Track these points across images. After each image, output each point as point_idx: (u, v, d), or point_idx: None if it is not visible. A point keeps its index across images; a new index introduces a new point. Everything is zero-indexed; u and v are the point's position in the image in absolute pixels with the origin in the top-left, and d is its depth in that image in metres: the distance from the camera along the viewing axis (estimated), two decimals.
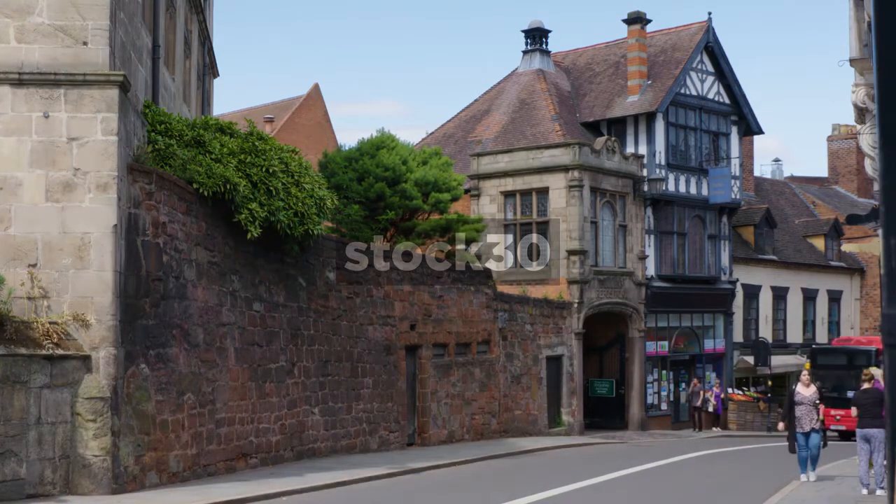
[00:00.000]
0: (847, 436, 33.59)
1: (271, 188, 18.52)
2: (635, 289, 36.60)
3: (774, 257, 45.07)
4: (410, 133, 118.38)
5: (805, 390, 18.63)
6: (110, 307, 14.76)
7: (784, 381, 43.45)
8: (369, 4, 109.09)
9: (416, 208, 29.59)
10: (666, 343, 38.52)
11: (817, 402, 18.63)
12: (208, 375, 17.74)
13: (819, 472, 19.28)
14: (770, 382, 42.45)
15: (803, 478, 18.48)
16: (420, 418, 26.12)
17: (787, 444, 19.25)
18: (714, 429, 38.91)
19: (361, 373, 23.66)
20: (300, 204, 19.06)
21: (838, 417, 33.89)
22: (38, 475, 14.18)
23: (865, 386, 17.72)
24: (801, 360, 44.47)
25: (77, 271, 14.73)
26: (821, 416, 18.66)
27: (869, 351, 34.81)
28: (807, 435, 18.49)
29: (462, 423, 27.70)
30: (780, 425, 19.19)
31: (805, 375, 19.16)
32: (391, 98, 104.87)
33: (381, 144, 29.86)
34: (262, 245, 19.44)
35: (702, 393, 38.30)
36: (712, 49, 39.99)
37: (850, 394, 33.17)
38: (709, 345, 40.62)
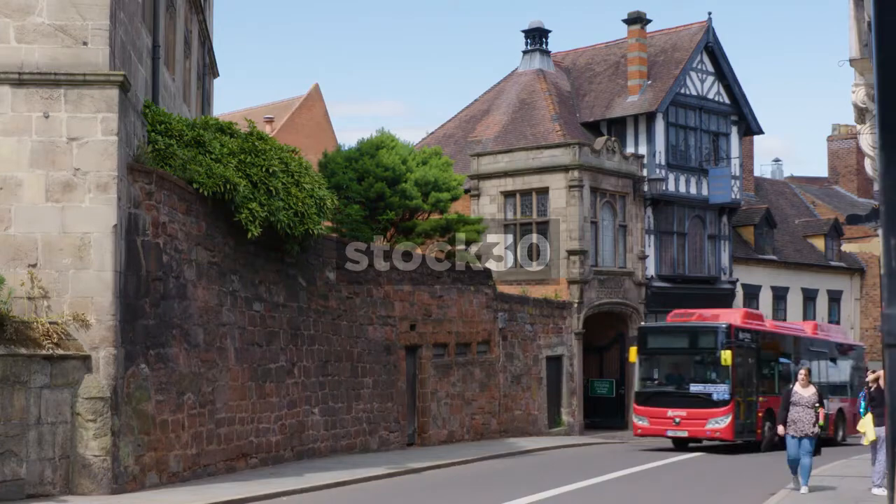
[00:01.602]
0: (684, 444, 28.16)
1: (271, 188, 18.52)
2: (635, 289, 36.61)
3: (774, 257, 45.08)
4: (410, 133, 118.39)
5: (803, 390, 17.21)
6: (110, 307, 14.77)
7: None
8: (369, 4, 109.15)
9: (416, 208, 29.60)
10: None
11: (817, 404, 17.15)
12: (208, 375, 17.74)
13: (816, 474, 18.39)
14: None
15: (791, 485, 17.15)
16: (420, 418, 26.12)
17: (779, 445, 17.76)
18: None
19: (361, 373, 23.66)
20: (300, 204, 19.06)
21: (678, 420, 27.14)
22: (38, 475, 14.18)
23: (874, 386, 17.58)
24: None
25: (77, 271, 14.73)
26: (821, 421, 17.17)
27: (717, 329, 27.20)
28: (800, 440, 16.97)
29: (462, 423, 27.71)
30: (780, 429, 17.31)
31: (803, 374, 17.67)
32: (391, 98, 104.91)
33: (381, 144, 29.86)
34: (262, 245, 19.44)
35: None
36: (712, 49, 39.99)
37: (694, 387, 27.19)
38: None
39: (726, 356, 26.34)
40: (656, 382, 28.40)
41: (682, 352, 28.12)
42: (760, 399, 27.92)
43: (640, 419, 28.03)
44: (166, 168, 16.71)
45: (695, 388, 27.25)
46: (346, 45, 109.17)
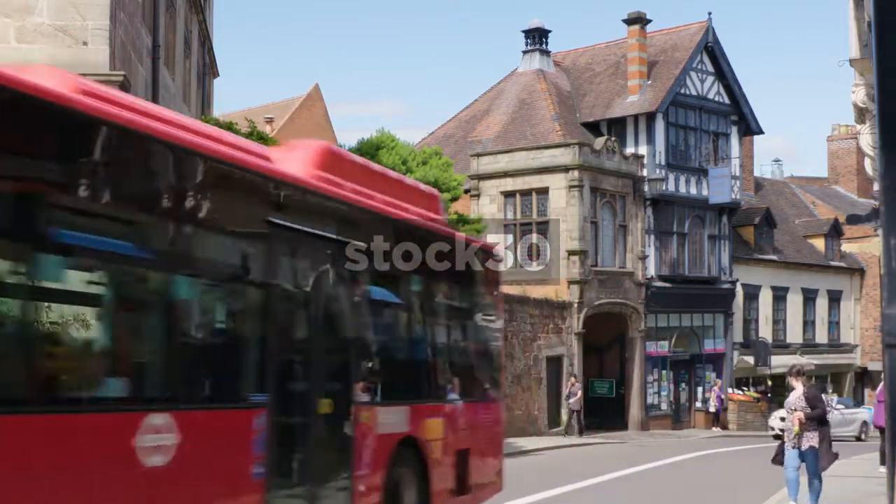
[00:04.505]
0: None
1: None
2: (635, 289, 36.62)
3: (774, 257, 45.11)
4: (410, 133, 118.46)
5: (791, 391, 13.85)
6: None
7: (784, 381, 43.47)
8: (369, 4, 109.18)
9: None
10: (666, 343, 38.50)
11: (793, 408, 13.34)
12: None
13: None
14: (770, 382, 42.46)
15: None
16: None
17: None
18: (714, 428, 38.93)
19: None
20: None
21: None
22: None
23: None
24: (801, 360, 44.50)
25: None
26: (795, 428, 13.15)
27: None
28: (796, 450, 13.28)
29: None
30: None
31: (793, 373, 13.83)
32: (391, 98, 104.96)
33: (380, 144, 29.87)
34: None
35: (579, 393, 32.51)
36: (712, 49, 40.03)
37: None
38: (709, 345, 40.62)
39: None
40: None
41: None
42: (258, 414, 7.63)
43: None
44: None
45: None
46: (346, 45, 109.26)
